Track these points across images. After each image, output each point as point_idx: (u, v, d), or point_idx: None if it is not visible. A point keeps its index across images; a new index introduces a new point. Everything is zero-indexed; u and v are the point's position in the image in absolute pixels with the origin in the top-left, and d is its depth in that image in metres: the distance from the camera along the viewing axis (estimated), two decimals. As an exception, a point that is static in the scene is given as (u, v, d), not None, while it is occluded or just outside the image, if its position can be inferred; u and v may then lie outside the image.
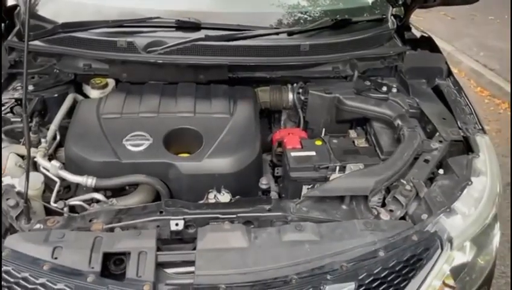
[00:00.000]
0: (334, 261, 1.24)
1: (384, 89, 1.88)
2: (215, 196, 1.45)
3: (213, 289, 1.16)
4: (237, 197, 1.46)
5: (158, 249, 1.25)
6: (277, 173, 1.81)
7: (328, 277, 1.20)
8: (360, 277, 1.21)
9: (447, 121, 1.73)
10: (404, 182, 1.49)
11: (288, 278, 1.19)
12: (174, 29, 1.86)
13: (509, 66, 4.36)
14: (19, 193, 1.40)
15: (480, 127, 1.70)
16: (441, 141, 1.64)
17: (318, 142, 1.72)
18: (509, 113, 4.39)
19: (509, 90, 4.55)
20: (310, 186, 1.61)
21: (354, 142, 1.76)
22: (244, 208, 1.38)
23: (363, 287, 1.21)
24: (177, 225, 1.33)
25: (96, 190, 1.50)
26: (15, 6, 2.02)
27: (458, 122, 1.71)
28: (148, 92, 1.76)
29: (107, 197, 1.49)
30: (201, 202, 1.46)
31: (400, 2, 2.07)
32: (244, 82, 1.90)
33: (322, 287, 1.18)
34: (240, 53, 1.81)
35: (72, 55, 1.83)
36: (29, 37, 1.80)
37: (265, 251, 1.25)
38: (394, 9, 2.17)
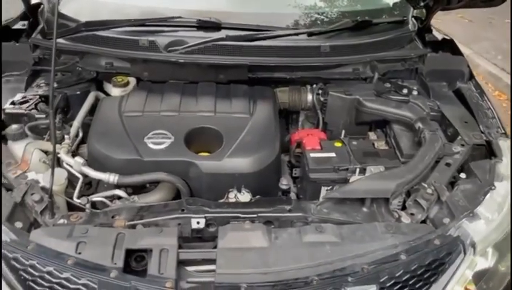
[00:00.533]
0: (355, 263, 1.23)
1: (405, 91, 1.86)
2: (235, 195, 1.46)
3: (234, 288, 1.16)
4: (257, 197, 1.47)
5: (179, 246, 1.26)
6: (295, 173, 1.81)
7: (349, 278, 1.19)
8: (382, 280, 1.20)
9: (469, 124, 1.71)
10: (426, 185, 1.48)
11: (309, 279, 1.19)
12: (195, 28, 1.88)
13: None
14: (43, 188, 1.42)
15: (503, 131, 1.68)
16: (463, 145, 1.62)
17: (338, 144, 1.71)
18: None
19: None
20: (329, 188, 1.61)
21: (373, 144, 1.75)
22: (264, 208, 1.38)
23: (384, 290, 1.21)
24: (198, 223, 1.34)
25: (117, 186, 1.51)
26: (39, 5, 2.05)
27: (480, 126, 1.70)
28: (169, 91, 1.78)
29: (128, 194, 1.50)
30: (221, 201, 1.46)
31: (422, 4, 2.05)
32: (263, 82, 1.91)
33: (343, 289, 1.18)
34: (260, 53, 1.81)
35: (95, 54, 1.85)
36: (52, 35, 1.84)
37: (285, 251, 1.25)
38: (415, 11, 2.15)
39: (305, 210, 1.40)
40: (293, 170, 1.82)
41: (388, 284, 1.21)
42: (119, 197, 1.49)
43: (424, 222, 1.43)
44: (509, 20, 6.24)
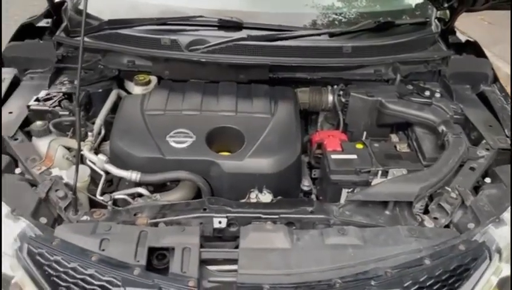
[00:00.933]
0: (378, 267, 1.22)
1: (427, 93, 1.84)
2: (256, 195, 1.45)
3: (256, 288, 1.16)
4: (279, 197, 1.46)
5: (201, 245, 1.26)
6: (314, 175, 1.80)
7: (373, 282, 1.18)
8: (405, 285, 1.18)
9: (493, 128, 1.68)
10: (449, 189, 1.46)
11: (332, 281, 1.18)
12: (216, 28, 1.88)
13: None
14: (66, 185, 1.43)
15: (530, 136, 1.64)
16: (487, 149, 1.60)
17: (359, 146, 1.70)
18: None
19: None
20: (350, 190, 1.59)
21: (395, 146, 1.73)
22: (286, 209, 1.38)
23: (407, 296, 1.19)
24: (220, 222, 1.34)
25: (138, 184, 1.52)
26: (62, 2, 2.07)
27: (506, 130, 1.67)
28: (191, 90, 1.78)
29: (150, 192, 1.51)
30: (243, 201, 1.46)
31: (446, 5, 2.03)
32: (284, 82, 1.90)
33: (366, 293, 1.17)
34: (281, 53, 1.81)
35: (117, 52, 1.86)
36: (76, 33, 1.86)
37: (308, 253, 1.24)
38: (438, 12, 2.12)
39: (327, 212, 1.39)
40: (312, 171, 1.82)
41: (412, 289, 1.19)
42: (141, 195, 1.50)
43: (447, 226, 1.41)
44: (530, 23, 6.14)
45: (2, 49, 1.92)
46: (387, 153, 1.67)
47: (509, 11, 1.87)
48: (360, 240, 1.28)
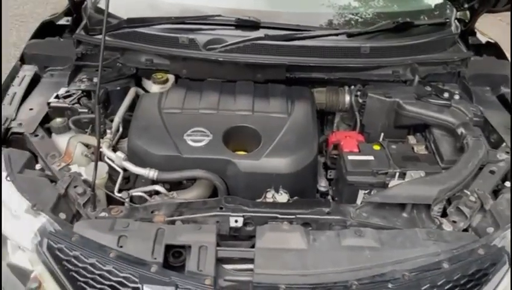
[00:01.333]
0: (395, 269, 1.21)
1: (446, 95, 1.82)
2: (273, 195, 1.45)
3: (273, 288, 1.16)
4: (295, 198, 1.46)
5: (217, 244, 1.26)
6: (330, 175, 1.80)
7: (390, 285, 1.17)
8: (423, 288, 1.18)
9: None
10: (468, 192, 1.44)
11: (348, 283, 1.17)
12: (233, 27, 1.88)
13: None
14: (85, 181, 1.45)
15: (551, 140, 1.61)
16: (507, 152, 1.57)
17: (376, 147, 1.69)
18: None
19: None
20: (366, 192, 1.59)
21: (413, 148, 1.71)
22: (302, 210, 1.37)
23: (425, 299, 1.18)
24: (236, 221, 1.34)
25: (155, 182, 1.53)
26: (82, 1, 2.09)
27: (526, 134, 1.64)
28: (208, 89, 1.79)
29: (166, 190, 1.52)
30: (259, 200, 1.46)
31: (466, 6, 2.00)
32: (300, 82, 1.90)
33: (383, 296, 1.16)
34: (299, 53, 1.80)
35: (135, 50, 1.87)
36: (95, 31, 1.88)
37: (324, 254, 1.24)
38: (458, 13, 2.09)
39: (344, 213, 1.38)
40: (328, 171, 1.81)
41: (430, 293, 1.18)
42: (157, 193, 1.51)
43: (466, 230, 1.39)
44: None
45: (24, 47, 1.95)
46: (405, 155, 1.66)
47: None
48: (377, 242, 1.27)
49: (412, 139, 1.78)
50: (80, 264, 1.21)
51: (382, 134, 1.78)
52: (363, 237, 1.28)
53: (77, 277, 1.22)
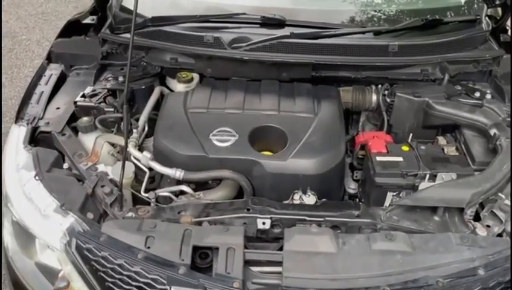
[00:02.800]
0: (428, 275, 1.17)
1: (477, 94, 1.77)
2: (300, 197, 1.43)
3: (302, 292, 1.14)
4: (323, 200, 1.44)
5: (244, 246, 1.25)
6: (356, 176, 1.76)
7: (423, 291, 1.14)
8: (458, 296, 1.14)
9: None
10: (503, 196, 1.39)
11: (380, 289, 1.14)
12: (258, 25, 1.86)
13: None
14: (111, 181, 1.45)
15: None
16: (545, 154, 1.51)
17: (405, 148, 1.65)
18: None
19: None
20: (395, 194, 1.55)
21: (443, 149, 1.66)
22: (331, 212, 1.35)
23: (459, 307, 1.14)
24: (264, 223, 1.32)
25: (180, 182, 1.52)
26: (107, 0, 2.10)
27: None
28: (233, 88, 1.77)
29: (192, 190, 1.51)
30: (286, 202, 1.44)
31: (498, 2, 1.93)
32: (326, 81, 1.86)
33: (416, 302, 1.13)
34: (325, 52, 1.77)
35: (160, 49, 1.87)
36: (120, 30, 1.88)
37: (354, 258, 1.21)
38: (489, 9, 2.03)
39: (374, 216, 1.35)
40: (354, 172, 1.78)
41: (465, 301, 1.14)
42: (183, 193, 1.50)
43: (500, 235, 1.34)
44: None
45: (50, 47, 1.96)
46: (435, 156, 1.61)
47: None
48: (409, 246, 1.24)
49: (441, 140, 1.73)
50: (108, 265, 1.21)
51: (411, 134, 1.74)
52: (394, 241, 1.24)
53: (105, 277, 1.22)
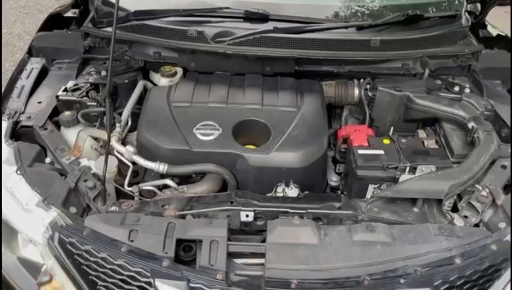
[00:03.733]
0: (407, 264, 1.20)
1: (457, 89, 1.81)
2: (283, 189, 1.45)
3: (284, 283, 1.16)
4: (306, 192, 1.45)
5: (228, 239, 1.26)
6: (338, 169, 1.79)
7: (402, 280, 1.17)
8: (436, 283, 1.17)
9: None
10: (480, 187, 1.43)
11: (360, 278, 1.17)
12: (242, 20, 1.86)
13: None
14: (94, 175, 1.45)
15: None
16: (520, 147, 1.56)
17: (386, 141, 1.67)
18: None
19: None
20: (376, 186, 1.58)
21: (423, 142, 1.70)
22: (313, 204, 1.37)
23: (437, 295, 1.18)
24: (247, 216, 1.34)
25: (164, 176, 1.53)
26: (89, -7, 2.08)
27: (539, 128, 1.62)
28: (217, 82, 1.77)
29: (176, 184, 1.52)
30: (269, 195, 1.46)
31: (477, -2, 1.97)
32: (309, 75, 1.88)
33: (395, 291, 1.16)
34: (308, 46, 1.78)
35: (143, 43, 1.86)
36: (102, 24, 1.87)
37: (336, 249, 1.23)
38: (469, 5, 2.07)
39: (355, 208, 1.38)
40: (337, 165, 1.80)
41: (442, 288, 1.18)
42: (167, 187, 1.51)
43: (477, 225, 1.38)
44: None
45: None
46: (415, 149, 1.64)
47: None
48: (389, 237, 1.26)
49: (422, 133, 1.77)
50: (92, 259, 1.21)
51: (392, 128, 1.77)
52: (374, 232, 1.27)
53: (89, 271, 1.22)
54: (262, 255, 1.23)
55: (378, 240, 1.25)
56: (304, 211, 1.35)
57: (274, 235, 1.26)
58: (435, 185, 1.39)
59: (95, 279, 1.22)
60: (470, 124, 1.64)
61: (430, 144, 1.69)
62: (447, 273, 1.19)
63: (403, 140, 1.68)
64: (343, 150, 1.75)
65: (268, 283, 1.16)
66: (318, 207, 1.36)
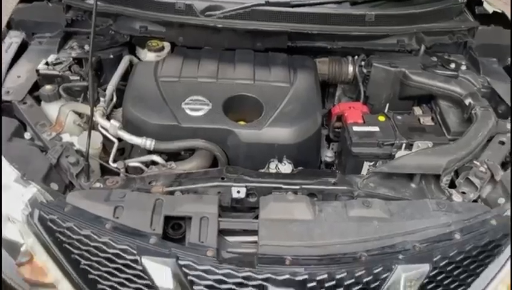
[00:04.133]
0: (405, 240, 1.16)
1: (453, 66, 1.77)
2: (276, 165, 1.39)
3: (278, 260, 1.11)
4: (300, 168, 1.40)
5: (219, 215, 1.20)
6: (332, 148, 1.74)
7: (400, 256, 1.12)
8: (435, 259, 1.13)
9: None
10: (478, 163, 1.39)
11: (357, 254, 1.12)
12: None
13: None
14: (77, 152, 1.37)
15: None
16: (516, 123, 1.52)
17: (381, 118, 1.63)
18: None
19: None
20: (371, 164, 1.53)
21: (419, 119, 1.66)
22: (308, 180, 1.31)
23: (436, 270, 1.13)
24: (238, 192, 1.28)
25: (151, 152, 1.46)
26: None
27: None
28: (206, 57, 1.70)
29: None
30: (262, 170, 1.40)
31: (474, -27, 1.92)
32: (302, 51, 1.82)
33: (393, 267, 1.11)
34: (301, 20, 1.71)
35: (129, 16, 1.77)
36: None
37: (331, 224, 1.18)
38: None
39: (350, 184, 1.33)
40: (331, 144, 1.75)
41: (442, 264, 1.14)
42: (154, 163, 1.44)
43: (475, 201, 1.34)
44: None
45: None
46: (411, 126, 1.60)
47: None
48: (386, 212, 1.22)
49: (417, 111, 1.73)
50: (74, 236, 1.14)
51: (387, 105, 1.72)
52: (371, 208, 1.22)
53: (71, 249, 1.15)
54: (254, 232, 1.18)
55: (375, 215, 1.21)
56: (298, 187, 1.30)
57: (267, 211, 1.20)
58: (433, 160, 1.35)
59: (78, 258, 1.15)
60: (467, 101, 1.60)
61: (426, 121, 1.65)
62: (446, 248, 1.15)
63: (399, 117, 1.64)
64: (337, 128, 1.70)
65: (261, 259, 1.10)
66: (312, 183, 1.31)
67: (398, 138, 1.52)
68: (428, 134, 1.58)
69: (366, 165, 1.54)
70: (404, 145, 1.51)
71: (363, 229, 1.18)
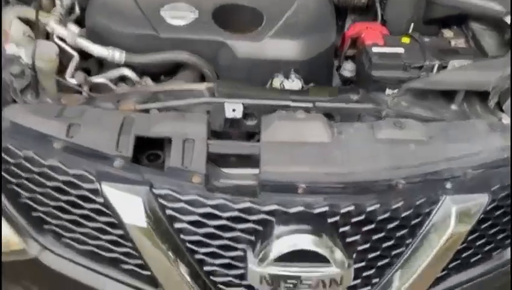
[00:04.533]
0: (452, 167, 0.88)
1: (487, -19, 1.48)
2: (281, 82, 1.10)
3: (288, 187, 0.83)
4: (311, 84, 1.11)
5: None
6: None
7: (448, 185, 0.86)
8: (493, 189, 0.86)
9: None
10: (529, 83, 1.12)
11: (393, 182, 0.84)
12: None
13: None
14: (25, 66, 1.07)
15: None
16: None
17: (405, 40, 1.34)
18: None
19: None
20: (395, 91, 1.25)
21: (450, 42, 1.38)
22: (323, 97, 1.03)
23: (495, 203, 0.87)
24: (234, 110, 0.99)
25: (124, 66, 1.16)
26: None
27: None
28: None
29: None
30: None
31: None
32: None
33: (440, 198, 0.84)
34: None
35: None
36: None
37: (355, 148, 0.90)
38: None
39: (377, 102, 1.05)
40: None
41: (501, 195, 0.87)
42: (124, 79, 1.14)
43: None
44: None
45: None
46: (442, 48, 1.32)
47: None
48: (424, 135, 0.94)
49: (447, 33, 1.44)
50: (12, 160, 0.85)
51: (412, 24, 1.43)
52: (404, 129, 0.94)
53: (8, 177, 0.86)
54: (255, 163, 0.89)
55: (410, 138, 0.93)
56: (311, 105, 1.01)
57: (270, 132, 0.91)
58: (480, 76, 1.07)
59: (16, 188, 0.86)
60: (508, 18, 1.32)
61: (459, 43, 1.37)
62: (504, 175, 0.88)
63: (426, 39, 1.35)
64: (351, 55, 1.41)
65: (265, 186, 0.82)
66: (330, 100, 1.02)
67: (428, 59, 1.24)
68: (463, 56, 1.30)
69: (389, 93, 1.25)
70: (436, 67, 1.23)
71: (396, 153, 0.90)
